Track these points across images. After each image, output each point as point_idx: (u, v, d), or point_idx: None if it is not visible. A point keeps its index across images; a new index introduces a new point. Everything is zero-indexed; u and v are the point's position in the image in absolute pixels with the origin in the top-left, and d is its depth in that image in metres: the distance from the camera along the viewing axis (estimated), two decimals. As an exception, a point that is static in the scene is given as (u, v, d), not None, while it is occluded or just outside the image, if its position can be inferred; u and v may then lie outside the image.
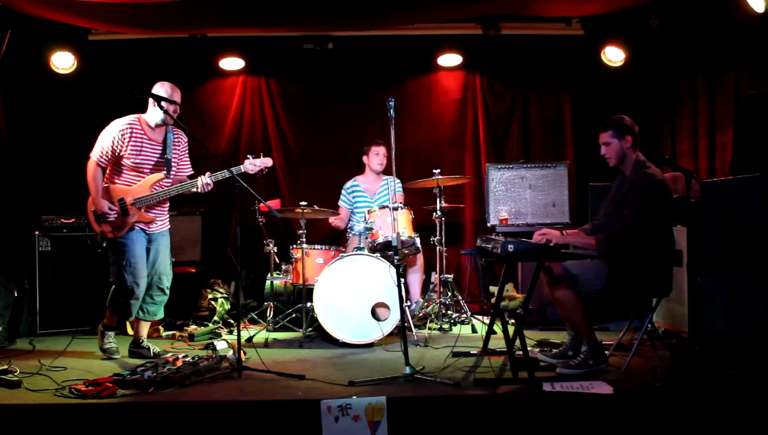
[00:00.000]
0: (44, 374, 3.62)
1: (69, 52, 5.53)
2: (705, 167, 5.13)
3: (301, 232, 4.78)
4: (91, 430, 3.00)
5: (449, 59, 6.04)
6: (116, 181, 4.06)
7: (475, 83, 6.14)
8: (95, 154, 4.01)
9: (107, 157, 4.00)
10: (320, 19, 5.16)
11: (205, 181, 4.08)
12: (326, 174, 6.09)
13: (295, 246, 4.86)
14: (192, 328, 4.96)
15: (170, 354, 4.03)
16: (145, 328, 4.29)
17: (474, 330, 4.94)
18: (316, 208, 4.84)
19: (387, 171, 5.39)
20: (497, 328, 3.81)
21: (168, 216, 4.31)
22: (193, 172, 4.35)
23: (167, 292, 4.29)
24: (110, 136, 3.98)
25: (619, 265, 3.52)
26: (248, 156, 4.20)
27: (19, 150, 5.47)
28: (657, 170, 3.61)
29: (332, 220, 5.43)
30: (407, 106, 6.07)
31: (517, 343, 3.51)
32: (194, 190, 4.11)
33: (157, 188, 4.10)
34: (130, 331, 4.92)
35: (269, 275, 5.16)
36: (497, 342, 4.00)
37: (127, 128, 4.01)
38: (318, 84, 6.13)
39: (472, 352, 4.03)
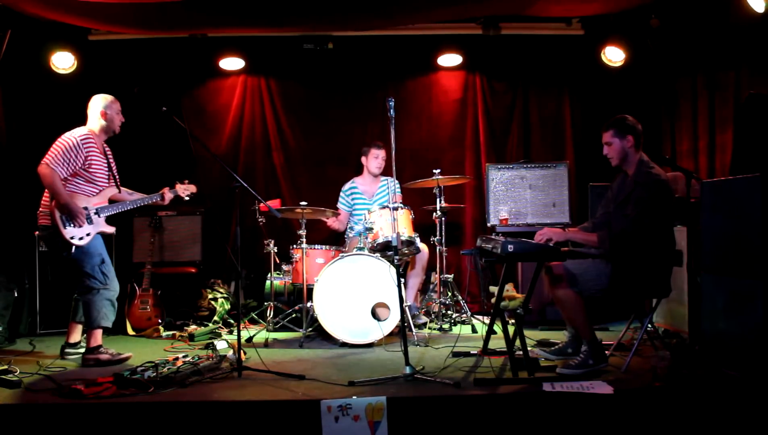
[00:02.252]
0: (44, 374, 3.62)
1: (69, 52, 5.53)
2: (705, 167, 5.13)
3: (301, 232, 4.77)
4: (91, 430, 3.00)
5: (449, 59, 6.04)
6: (72, 190, 4.02)
7: (475, 83, 6.14)
8: (55, 165, 3.89)
9: (69, 168, 3.94)
10: (320, 19, 5.16)
11: (169, 196, 4.40)
12: (326, 174, 6.09)
13: (295, 246, 4.86)
14: (192, 328, 4.96)
15: (170, 354, 4.03)
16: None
17: (474, 330, 4.94)
18: (323, 209, 4.84)
19: (386, 171, 5.39)
20: (497, 328, 3.81)
21: None
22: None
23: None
24: (73, 148, 3.95)
25: (621, 265, 3.52)
26: (177, 181, 4.50)
27: (19, 150, 5.46)
28: (661, 170, 3.61)
29: (330, 222, 5.41)
30: (407, 106, 6.08)
31: (517, 343, 3.51)
32: (151, 202, 4.36)
33: (118, 199, 4.25)
34: (130, 331, 4.94)
35: (269, 275, 5.16)
36: (497, 342, 4.00)
37: (87, 140, 4.03)
38: (318, 84, 6.13)
39: (472, 352, 4.03)
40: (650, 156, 3.72)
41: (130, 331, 4.95)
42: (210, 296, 5.29)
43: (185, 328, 4.99)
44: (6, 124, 5.41)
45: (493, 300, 3.75)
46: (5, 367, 3.59)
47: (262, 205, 4.61)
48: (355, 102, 6.15)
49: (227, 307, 5.32)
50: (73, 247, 3.95)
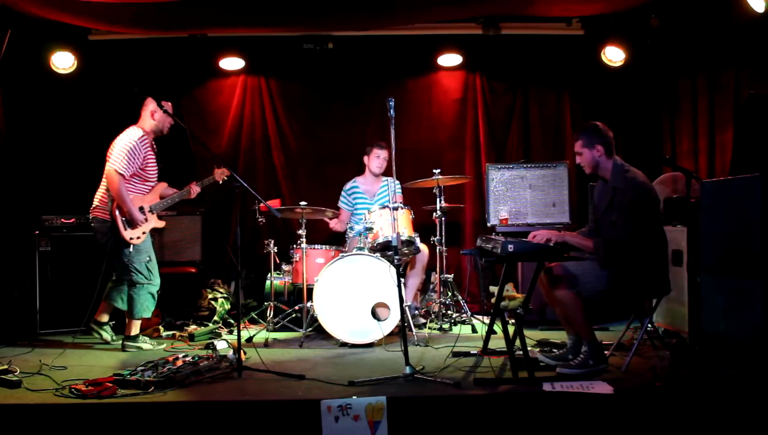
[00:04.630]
0: (44, 374, 3.62)
1: (69, 52, 5.52)
2: (705, 167, 5.13)
3: (301, 232, 4.77)
4: (91, 430, 3.00)
5: (449, 59, 6.04)
6: (131, 191, 4.34)
7: (475, 83, 6.14)
8: (121, 168, 4.22)
9: (134, 168, 4.29)
10: (320, 19, 5.16)
11: (195, 188, 4.69)
12: (326, 174, 6.09)
13: (295, 246, 4.86)
14: (192, 328, 4.95)
15: (170, 354, 4.03)
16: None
17: (474, 330, 4.94)
18: (323, 209, 4.84)
19: (386, 171, 5.39)
20: (497, 328, 3.82)
21: None
22: None
23: None
24: (136, 149, 4.28)
25: (618, 271, 3.51)
26: (215, 166, 4.83)
27: (19, 150, 5.47)
28: (638, 172, 3.59)
29: (332, 224, 5.41)
30: (407, 106, 6.08)
31: (517, 343, 3.51)
32: (189, 196, 4.68)
33: (164, 195, 4.58)
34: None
35: (269, 275, 5.16)
36: (497, 342, 4.00)
37: (145, 140, 4.35)
38: (318, 84, 6.13)
39: (472, 352, 4.03)
40: (650, 156, 3.72)
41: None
42: (210, 296, 5.29)
43: (185, 328, 4.98)
44: (6, 124, 5.40)
45: (493, 300, 3.75)
46: (5, 367, 3.58)
47: (262, 205, 4.62)
48: (355, 102, 6.15)
49: (227, 307, 5.32)
50: (131, 246, 4.30)
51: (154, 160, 4.49)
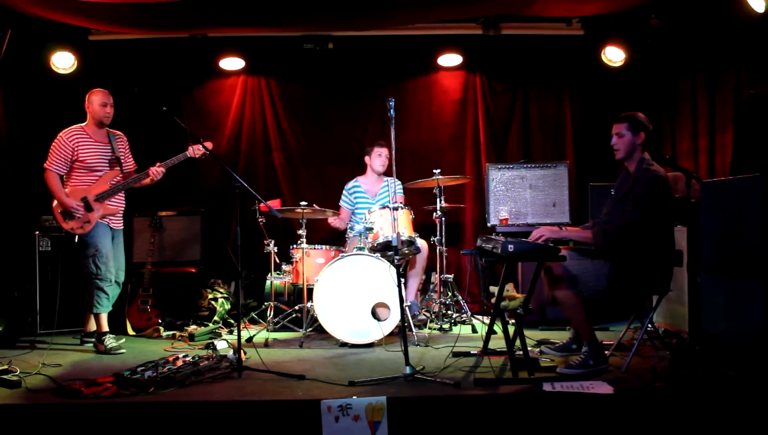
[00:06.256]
0: (44, 374, 3.62)
1: (69, 52, 5.53)
2: (705, 167, 5.13)
3: (301, 232, 4.78)
4: (91, 430, 3.00)
5: (449, 59, 6.04)
6: (75, 184, 4.39)
7: (475, 83, 6.14)
8: (51, 165, 4.32)
9: (64, 163, 4.34)
10: (320, 19, 5.16)
11: (156, 169, 4.48)
12: (326, 174, 6.09)
13: (295, 246, 4.86)
14: (192, 328, 4.96)
15: (170, 354, 4.03)
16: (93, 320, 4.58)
17: (474, 330, 4.94)
18: (316, 207, 4.83)
19: (387, 172, 5.39)
20: (497, 328, 3.82)
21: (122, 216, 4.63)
22: (137, 168, 4.68)
23: (120, 285, 4.61)
24: (62, 145, 4.34)
25: (620, 263, 3.52)
26: (188, 145, 4.53)
27: (19, 150, 5.46)
28: (660, 168, 3.64)
29: (331, 220, 5.42)
30: (407, 106, 6.08)
31: (517, 343, 3.51)
32: (148, 179, 4.50)
33: (114, 182, 4.47)
34: (131, 331, 4.94)
35: (269, 275, 5.16)
36: (497, 342, 4.00)
37: (73, 134, 4.39)
38: (318, 84, 6.13)
39: (472, 352, 4.03)
40: (650, 156, 3.74)
41: (130, 331, 4.94)
42: (210, 296, 5.29)
43: (185, 328, 4.99)
44: (6, 124, 5.41)
45: (493, 300, 3.74)
46: (5, 367, 3.59)
47: (262, 205, 4.62)
48: (355, 102, 6.15)
49: (227, 307, 5.32)
50: (76, 237, 4.33)
51: (101, 150, 4.44)
